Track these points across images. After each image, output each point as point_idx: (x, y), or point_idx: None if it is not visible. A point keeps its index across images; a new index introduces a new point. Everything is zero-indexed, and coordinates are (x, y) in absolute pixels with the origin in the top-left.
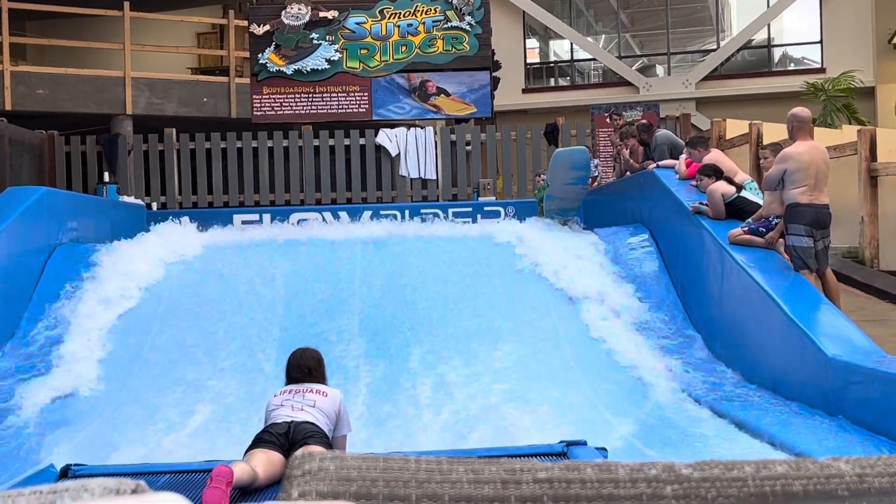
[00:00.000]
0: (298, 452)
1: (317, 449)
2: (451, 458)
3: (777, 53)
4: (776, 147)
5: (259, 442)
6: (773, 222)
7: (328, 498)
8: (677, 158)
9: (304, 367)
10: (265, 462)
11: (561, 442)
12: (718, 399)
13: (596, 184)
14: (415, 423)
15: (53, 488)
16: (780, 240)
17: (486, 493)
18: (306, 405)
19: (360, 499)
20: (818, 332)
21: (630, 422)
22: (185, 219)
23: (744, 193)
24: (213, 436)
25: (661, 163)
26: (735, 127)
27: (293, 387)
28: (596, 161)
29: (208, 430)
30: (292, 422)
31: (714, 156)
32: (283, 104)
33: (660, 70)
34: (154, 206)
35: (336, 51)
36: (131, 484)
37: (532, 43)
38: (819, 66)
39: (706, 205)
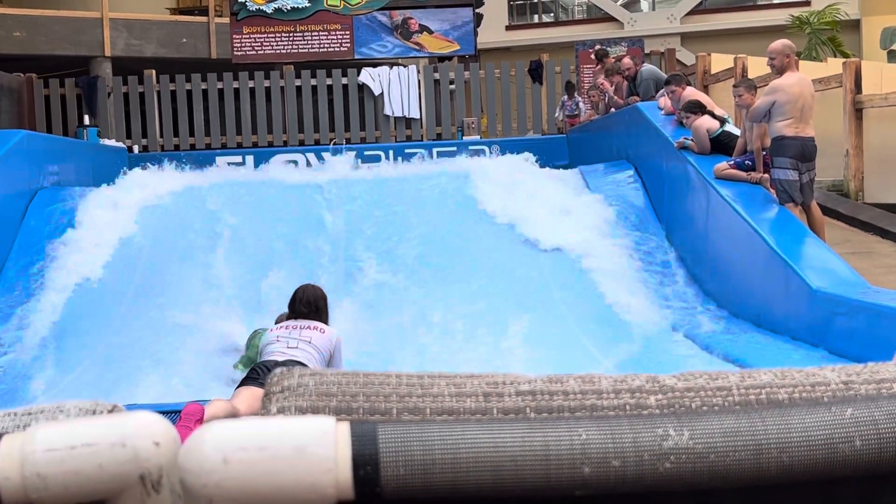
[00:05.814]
0: (277, 370)
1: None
2: (433, 374)
3: None
4: (749, 83)
5: (247, 380)
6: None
7: (308, 413)
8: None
9: (312, 304)
10: (249, 397)
11: None
12: (704, 333)
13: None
14: (398, 356)
15: (28, 410)
16: (765, 174)
17: (468, 406)
18: (302, 341)
19: (340, 413)
20: (803, 264)
21: (615, 356)
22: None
23: (727, 127)
24: (201, 375)
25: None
26: (720, 61)
27: (291, 322)
28: (579, 99)
29: (197, 370)
30: (285, 360)
31: (689, 93)
32: (264, 44)
33: (644, 5)
34: (135, 148)
35: None
36: (108, 405)
37: None
38: None
39: (691, 140)
